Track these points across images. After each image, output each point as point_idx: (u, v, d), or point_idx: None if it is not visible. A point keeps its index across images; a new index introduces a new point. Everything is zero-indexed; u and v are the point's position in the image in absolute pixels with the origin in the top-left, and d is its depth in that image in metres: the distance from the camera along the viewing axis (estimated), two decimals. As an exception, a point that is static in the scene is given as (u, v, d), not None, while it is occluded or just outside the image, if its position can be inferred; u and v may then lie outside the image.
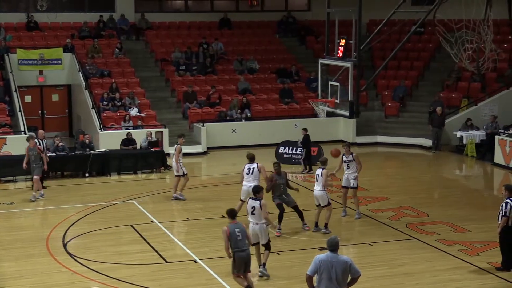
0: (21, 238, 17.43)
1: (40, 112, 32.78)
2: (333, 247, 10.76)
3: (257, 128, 30.63)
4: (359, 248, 16.68)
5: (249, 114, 31.13)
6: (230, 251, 13.22)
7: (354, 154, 19.13)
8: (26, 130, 27.63)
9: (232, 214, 13.50)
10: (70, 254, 16.14)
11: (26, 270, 15.16)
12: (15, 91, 30.02)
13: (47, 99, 33.02)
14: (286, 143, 27.62)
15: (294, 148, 27.20)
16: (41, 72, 32.11)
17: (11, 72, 30.87)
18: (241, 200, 18.20)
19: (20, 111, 28.84)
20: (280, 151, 27.38)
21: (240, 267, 13.25)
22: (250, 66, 34.32)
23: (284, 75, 34.02)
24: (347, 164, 19.10)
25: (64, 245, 16.87)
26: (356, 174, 19.04)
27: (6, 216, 19.87)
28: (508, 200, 14.73)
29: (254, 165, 18.17)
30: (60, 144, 25.50)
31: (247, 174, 18.13)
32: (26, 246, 16.82)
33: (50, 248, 16.66)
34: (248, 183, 17.76)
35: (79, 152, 25.61)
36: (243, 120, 30.89)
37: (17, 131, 27.69)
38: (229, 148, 29.70)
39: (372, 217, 19.22)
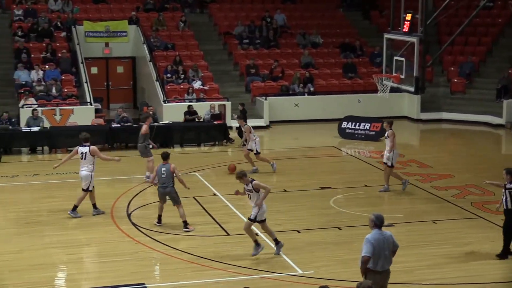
0: (86, 207, 17.71)
1: (105, 83, 33.23)
2: (382, 223, 10.72)
3: (320, 102, 30.46)
4: (423, 226, 16.48)
5: (311, 89, 30.97)
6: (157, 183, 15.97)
7: (389, 132, 18.80)
8: (92, 101, 28.05)
9: (164, 156, 16.21)
10: (134, 224, 16.37)
11: (92, 238, 15.44)
12: (82, 62, 30.45)
13: (112, 71, 33.43)
14: (349, 118, 27.40)
15: (357, 124, 26.96)
16: (106, 44, 32.47)
17: (78, 44, 31.30)
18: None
19: (86, 82, 29.27)
20: (342, 126, 27.19)
21: (161, 199, 16.16)
22: (313, 40, 34.07)
23: (347, 49, 33.69)
24: (385, 141, 18.96)
25: (128, 215, 17.12)
26: (387, 154, 18.76)
27: (72, 185, 20.22)
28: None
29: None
30: (124, 115, 25.80)
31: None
32: (92, 215, 17.09)
33: (115, 217, 16.93)
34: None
35: (142, 123, 25.84)
36: (306, 95, 30.76)
37: (83, 102, 28.13)
38: (291, 122, 29.63)
39: (436, 195, 18.96)
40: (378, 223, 10.68)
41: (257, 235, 14.72)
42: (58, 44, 31.29)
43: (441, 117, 30.97)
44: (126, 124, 25.52)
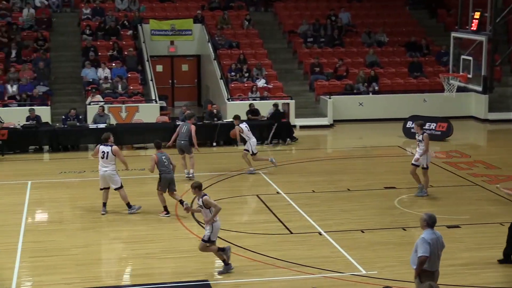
0: (151, 204, 17.89)
1: (170, 81, 33.55)
2: (435, 223, 10.58)
3: (384, 102, 30.16)
4: (490, 228, 16.14)
5: (376, 88, 30.68)
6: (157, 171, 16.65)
7: (424, 134, 18.39)
8: (157, 99, 28.34)
9: (157, 145, 17.25)
10: (197, 221, 16.45)
11: (157, 234, 15.58)
12: (147, 60, 30.80)
13: (177, 69, 33.74)
14: (414, 118, 27.00)
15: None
16: (172, 43, 32.77)
17: (143, 42, 31.67)
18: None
19: (151, 80, 29.59)
20: (407, 126, 26.84)
21: (165, 186, 16.75)
22: (378, 39, 33.75)
23: (413, 48, 33.26)
24: (418, 144, 18.51)
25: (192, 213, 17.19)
26: (418, 157, 18.33)
27: (137, 182, 20.48)
28: None
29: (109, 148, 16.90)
30: (188, 113, 25.94)
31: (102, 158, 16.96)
32: (155, 212, 17.26)
33: (178, 214, 17.04)
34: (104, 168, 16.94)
35: (207, 121, 26.02)
36: (370, 94, 30.49)
37: (148, 100, 28.46)
38: (355, 121, 29.41)
39: (504, 197, 18.55)
40: (430, 222, 10.56)
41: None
42: (124, 43, 31.72)
43: (510, 117, 30.29)
44: (190, 122, 25.66)
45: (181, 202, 16.56)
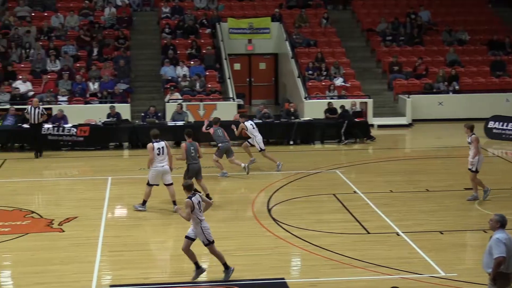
0: (228, 201, 18.02)
1: (247, 79, 33.68)
2: (506, 223, 10.31)
3: (465, 101, 29.59)
4: None
5: (457, 87, 30.13)
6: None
7: (473, 136, 17.76)
8: (235, 97, 28.49)
9: (188, 134, 17.52)
10: (274, 219, 16.45)
11: (233, 231, 15.64)
12: (225, 59, 30.99)
13: (254, 67, 33.85)
14: (496, 118, 26.44)
15: (505, 124, 25.98)
16: (249, 41, 32.89)
17: (222, 41, 31.88)
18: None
19: (229, 78, 29.77)
20: (489, 126, 26.27)
21: (192, 175, 17.00)
22: (459, 37, 33.13)
23: (496, 47, 32.53)
24: (469, 147, 17.90)
25: (268, 210, 17.23)
26: (471, 159, 17.77)
27: (214, 179, 20.63)
28: None
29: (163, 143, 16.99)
30: (265, 111, 26.03)
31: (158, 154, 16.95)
32: (232, 209, 17.36)
33: (255, 212, 17.08)
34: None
35: (284, 120, 26.02)
36: (451, 93, 29.95)
37: (226, 98, 28.63)
38: (435, 121, 28.94)
39: None
40: (504, 223, 10.27)
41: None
42: (203, 41, 32.00)
43: None
44: (267, 120, 25.74)
45: (208, 195, 16.90)
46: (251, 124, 21.82)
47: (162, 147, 16.89)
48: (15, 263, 13.96)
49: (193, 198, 12.62)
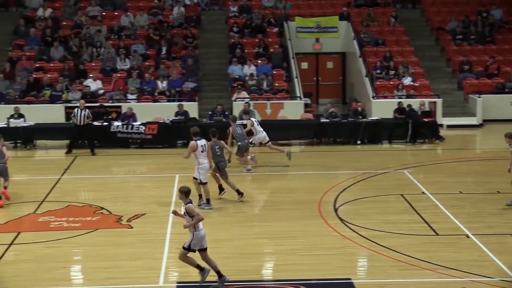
0: (294, 200, 17.96)
1: (315, 78, 33.57)
2: None
3: (539, 101, 28.89)
4: None
5: (530, 87, 29.45)
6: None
7: None
8: (302, 96, 28.43)
9: (213, 133, 17.93)
10: (340, 219, 16.34)
11: (299, 231, 15.59)
12: (293, 58, 30.95)
13: (322, 66, 33.73)
14: None
15: None
16: (317, 40, 32.78)
17: (289, 40, 31.85)
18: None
19: (296, 77, 29.71)
20: None
21: (224, 173, 17.70)
22: (533, 36, 32.40)
23: None
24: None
25: (335, 210, 17.13)
26: (509, 167, 17.18)
27: (281, 178, 20.64)
28: None
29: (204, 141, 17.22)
30: (332, 110, 25.90)
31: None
32: (299, 208, 17.30)
33: (322, 211, 16.99)
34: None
35: (351, 119, 25.84)
36: (523, 93, 29.29)
37: (293, 97, 28.59)
38: (507, 121, 28.28)
39: None
40: None
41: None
42: (270, 40, 32.03)
43: None
44: (334, 120, 25.61)
45: (238, 190, 17.60)
46: (255, 121, 22.23)
47: (204, 145, 17.16)
48: (85, 258, 14.22)
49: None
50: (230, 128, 21.01)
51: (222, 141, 18.09)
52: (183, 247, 12.54)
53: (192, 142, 17.13)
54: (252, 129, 22.00)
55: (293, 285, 12.50)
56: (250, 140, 21.71)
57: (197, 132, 17.38)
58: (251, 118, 22.40)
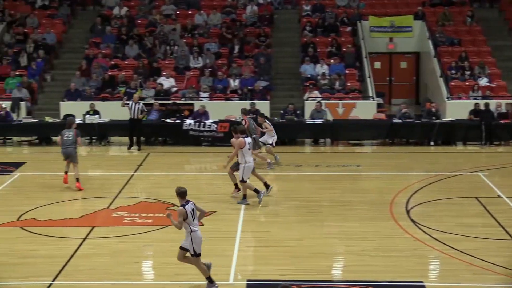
0: (365, 201, 17.80)
1: (388, 78, 33.22)
2: None
3: None
4: None
5: None
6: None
7: None
8: (374, 96, 28.16)
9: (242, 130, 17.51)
10: (412, 221, 16.10)
11: (370, 232, 15.43)
12: (366, 57, 30.69)
13: (395, 66, 33.35)
14: None
15: None
16: (391, 39, 32.42)
17: (362, 39, 31.60)
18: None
19: (369, 77, 29.45)
20: None
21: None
22: None
23: None
24: None
25: (407, 211, 16.89)
26: None
27: (352, 178, 20.49)
28: None
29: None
30: (406, 111, 25.57)
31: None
32: (371, 209, 17.13)
33: (393, 213, 16.79)
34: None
35: (425, 120, 25.46)
36: None
37: (365, 97, 28.34)
38: None
39: None
40: None
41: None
42: (343, 39, 31.83)
43: None
44: (407, 120, 25.28)
45: (265, 183, 17.86)
46: (267, 122, 22.23)
47: (250, 142, 17.40)
48: (156, 254, 14.38)
49: (186, 206, 12.02)
50: (246, 120, 20.84)
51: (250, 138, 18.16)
52: (192, 255, 12.15)
53: (240, 140, 17.29)
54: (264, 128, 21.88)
55: (363, 286, 12.38)
56: (270, 142, 21.77)
57: (244, 130, 17.68)
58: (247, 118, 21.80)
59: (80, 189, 18.65)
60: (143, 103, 24.99)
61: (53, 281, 12.50)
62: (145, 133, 24.99)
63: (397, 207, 17.24)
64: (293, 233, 15.37)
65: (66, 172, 19.12)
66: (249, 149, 17.27)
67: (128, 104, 24.46)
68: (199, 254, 12.19)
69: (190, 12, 33.80)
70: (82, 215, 16.73)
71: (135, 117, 24.27)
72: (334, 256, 14.33)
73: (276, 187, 19.25)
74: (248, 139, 17.44)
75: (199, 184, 20.00)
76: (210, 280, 12.25)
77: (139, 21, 33.18)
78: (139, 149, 24.23)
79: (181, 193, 12.10)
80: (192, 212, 12.09)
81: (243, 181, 17.33)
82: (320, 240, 14.95)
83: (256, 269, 13.25)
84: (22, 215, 16.54)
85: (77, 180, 18.83)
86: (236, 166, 17.81)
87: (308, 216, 16.62)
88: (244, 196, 17.49)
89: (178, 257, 12.42)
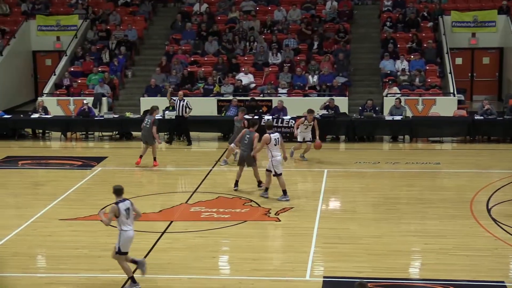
0: (445, 198, 17.51)
1: (469, 74, 32.56)
2: None
3: None
4: None
5: None
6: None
7: None
8: (455, 92, 27.65)
9: (269, 126, 17.96)
10: (493, 220, 15.75)
11: (449, 230, 15.16)
12: (447, 53, 30.14)
13: (477, 62, 32.64)
14: None
15: None
16: (473, 35, 31.78)
17: (444, 34, 31.04)
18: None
19: (450, 73, 28.91)
20: None
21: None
22: None
23: None
24: None
25: (488, 210, 16.54)
26: None
27: (431, 176, 20.18)
28: None
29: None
30: (488, 107, 25.01)
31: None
32: (450, 207, 16.84)
33: (474, 211, 16.46)
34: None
35: (507, 117, 24.86)
36: None
37: (446, 93, 27.87)
38: None
39: None
40: None
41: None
42: (424, 34, 31.35)
43: None
44: (489, 117, 24.73)
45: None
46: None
47: (278, 138, 17.44)
48: (233, 249, 14.48)
49: (119, 204, 11.96)
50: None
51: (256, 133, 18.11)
52: (116, 253, 12.16)
53: (265, 135, 17.43)
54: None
55: (443, 285, 12.18)
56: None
57: (271, 125, 18.10)
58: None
59: (155, 165, 20.94)
60: (187, 101, 24.95)
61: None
62: (225, 128, 25.10)
63: (478, 205, 16.90)
64: (370, 230, 15.24)
65: (140, 156, 21.16)
66: (275, 145, 17.35)
67: (174, 100, 24.83)
68: (124, 253, 12.13)
69: (269, 8, 33.87)
70: (160, 209, 16.99)
71: (180, 114, 24.52)
72: (412, 254, 14.14)
73: (353, 184, 19.15)
74: (275, 135, 17.46)
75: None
76: (133, 280, 12.16)
77: (218, 18, 33.45)
78: (189, 144, 24.68)
79: (116, 191, 12.12)
80: (126, 211, 12.03)
81: (276, 174, 17.39)
82: (398, 238, 14.78)
83: (333, 266, 13.20)
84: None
85: (154, 159, 21.03)
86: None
87: (385, 214, 16.45)
88: (284, 192, 17.47)
89: (111, 254, 12.36)
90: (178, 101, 24.66)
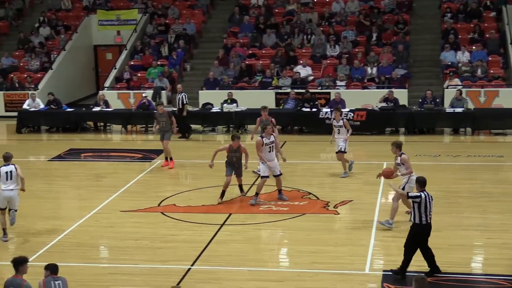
0: (508, 192, 17.20)
1: (533, 65, 31.80)
2: None
3: None
4: None
5: None
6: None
7: (403, 157, 15.25)
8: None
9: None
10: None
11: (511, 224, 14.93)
12: (511, 43, 29.52)
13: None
14: None
15: None
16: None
17: (507, 24, 30.41)
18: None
19: (515, 64, 28.37)
20: None
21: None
22: None
23: None
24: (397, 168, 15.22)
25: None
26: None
27: (494, 169, 19.83)
28: None
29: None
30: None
31: None
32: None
33: (537, 205, 16.13)
34: None
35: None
36: None
37: (509, 84, 27.33)
38: None
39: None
40: None
41: None
42: (486, 25, 30.78)
43: None
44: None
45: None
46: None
47: (268, 143, 16.94)
48: (292, 242, 14.46)
49: (1, 168, 14.09)
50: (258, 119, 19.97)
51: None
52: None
53: (258, 139, 17.07)
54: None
55: (507, 281, 11.95)
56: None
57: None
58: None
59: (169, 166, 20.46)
60: (185, 95, 24.88)
61: (192, 265, 12.83)
62: (282, 121, 24.98)
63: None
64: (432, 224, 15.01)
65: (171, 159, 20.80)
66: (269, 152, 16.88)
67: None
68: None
69: (327, 0, 33.67)
70: (219, 202, 17.05)
71: (180, 107, 24.68)
72: (473, 248, 13.93)
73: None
74: (266, 139, 16.85)
75: (333, 173, 19.90)
76: (4, 232, 14.35)
77: (276, 10, 33.40)
78: (186, 137, 24.78)
79: (4, 158, 14.29)
80: (6, 174, 14.03)
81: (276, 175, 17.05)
82: (459, 232, 14.58)
83: (392, 260, 13.06)
84: (162, 200, 17.06)
85: (165, 159, 20.67)
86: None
87: (446, 207, 16.21)
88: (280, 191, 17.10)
89: None
90: (178, 94, 24.85)
